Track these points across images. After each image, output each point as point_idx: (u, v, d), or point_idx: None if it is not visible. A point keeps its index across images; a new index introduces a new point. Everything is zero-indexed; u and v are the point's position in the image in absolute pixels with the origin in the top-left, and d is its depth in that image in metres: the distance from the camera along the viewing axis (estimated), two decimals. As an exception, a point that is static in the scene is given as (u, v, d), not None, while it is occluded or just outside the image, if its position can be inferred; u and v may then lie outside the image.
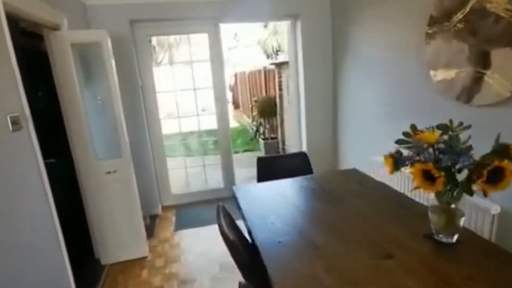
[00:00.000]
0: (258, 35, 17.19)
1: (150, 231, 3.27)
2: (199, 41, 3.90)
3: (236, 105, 12.21)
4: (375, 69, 2.87)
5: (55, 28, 2.40)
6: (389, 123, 2.72)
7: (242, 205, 1.90)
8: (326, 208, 1.74)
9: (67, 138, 2.57)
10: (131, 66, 3.31)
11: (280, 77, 5.89)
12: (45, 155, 2.62)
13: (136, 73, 3.36)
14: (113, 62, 2.53)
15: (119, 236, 2.75)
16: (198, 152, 5.97)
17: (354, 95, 3.32)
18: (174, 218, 3.60)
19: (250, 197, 1.99)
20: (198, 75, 3.88)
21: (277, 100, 6.06)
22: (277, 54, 16.65)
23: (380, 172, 2.74)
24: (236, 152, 6.78)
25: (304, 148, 3.96)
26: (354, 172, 2.31)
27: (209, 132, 5.22)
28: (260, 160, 2.54)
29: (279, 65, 5.84)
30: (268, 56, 16.76)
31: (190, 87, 3.95)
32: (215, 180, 4.19)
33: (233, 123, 10.18)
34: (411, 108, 2.45)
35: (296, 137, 4.19)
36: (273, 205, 1.84)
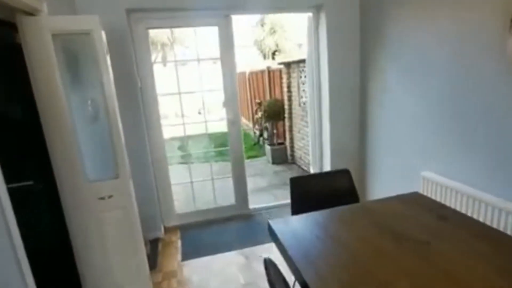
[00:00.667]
0: (255, 35, 16.74)
1: (152, 262, 2.73)
2: (194, 40, 3.34)
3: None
4: (426, 68, 2.39)
5: (31, 13, 1.85)
6: (450, 132, 2.24)
7: (288, 249, 1.38)
8: (412, 260, 1.24)
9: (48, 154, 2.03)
10: (128, 65, 2.77)
11: (289, 77, 5.40)
12: (18, 177, 2.08)
13: (135, 73, 2.82)
14: (108, 58, 2.00)
15: (115, 274, 2.20)
16: (203, 159, 5.46)
17: (392, 99, 2.84)
18: (179, 243, 3.06)
19: (296, 241, 1.47)
20: (195, 77, 3.35)
21: (286, 102, 5.57)
22: (274, 55, 16.25)
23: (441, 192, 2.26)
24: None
25: (327, 160, 3.47)
26: (419, 198, 1.82)
27: (213, 136, 4.70)
28: (294, 182, 2.03)
29: (288, 65, 5.35)
30: (265, 57, 16.33)
31: (193, 89, 3.44)
32: (224, 194, 3.67)
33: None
34: (485, 114, 1.96)
35: (314, 145, 3.69)
36: (330, 251, 1.33)
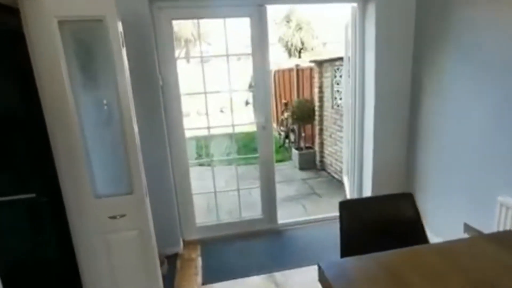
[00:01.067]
0: (279, 32, 16.28)
1: (169, 284, 2.41)
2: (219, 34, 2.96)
3: (257, 107, 11.28)
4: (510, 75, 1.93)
5: (36, -5, 1.55)
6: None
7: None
8: None
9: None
10: (149, 60, 2.45)
11: (321, 77, 4.97)
12: (20, 187, 1.80)
13: (156, 70, 2.50)
14: (124, 51, 1.67)
15: (126, 303, 1.90)
16: (225, 161, 5.15)
17: (456, 108, 2.37)
18: (199, 261, 2.73)
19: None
20: (219, 74, 3.01)
21: (316, 104, 5.14)
22: (300, 53, 15.76)
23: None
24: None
25: (368, 172, 3.03)
26: (516, 239, 1.38)
27: (236, 136, 4.37)
28: (344, 206, 1.64)
29: (321, 63, 4.92)
30: (290, 55, 15.86)
31: (216, 87, 3.09)
32: (250, 204, 3.33)
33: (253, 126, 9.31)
34: None
35: (352, 153, 3.27)
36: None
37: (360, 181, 3.20)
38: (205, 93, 2.86)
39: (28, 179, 1.81)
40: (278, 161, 6.02)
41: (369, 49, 2.82)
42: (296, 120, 5.40)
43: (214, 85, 3.08)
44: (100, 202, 1.72)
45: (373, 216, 1.65)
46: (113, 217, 1.73)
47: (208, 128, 2.97)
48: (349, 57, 3.57)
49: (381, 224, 1.63)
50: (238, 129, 3.20)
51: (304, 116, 5.28)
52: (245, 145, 6.46)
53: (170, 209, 2.77)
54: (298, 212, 3.68)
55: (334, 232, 3.05)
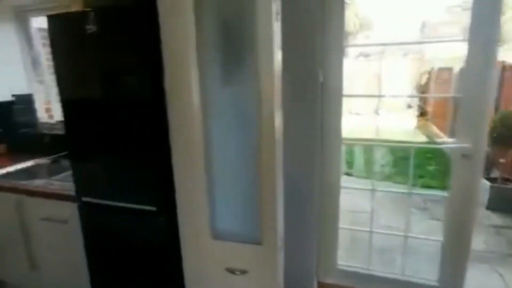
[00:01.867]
0: (463, 22, 13.18)
1: None
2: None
3: (422, 112, 9.42)
4: None
5: None
6: None
7: None
8: None
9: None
10: (308, 46, 1.81)
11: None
12: (143, 196, 1.47)
13: (315, 62, 1.85)
14: (276, 28, 1.07)
15: None
16: (375, 177, 4.18)
17: None
18: (337, 323, 2.00)
19: None
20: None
21: (537, 120, 3.46)
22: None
23: None
24: (426, 187, 4.57)
25: None
26: None
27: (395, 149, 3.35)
28: None
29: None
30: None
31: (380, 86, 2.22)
32: (419, 259, 2.34)
33: (418, 136, 7.71)
34: None
35: None
36: None
37: None
38: (380, 96, 2.03)
39: (154, 189, 1.48)
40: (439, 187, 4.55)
41: None
42: (495, 139, 3.83)
43: (373, 83, 2.24)
44: (218, 245, 1.22)
45: None
46: (231, 271, 1.19)
47: (378, 139, 2.14)
48: None
49: None
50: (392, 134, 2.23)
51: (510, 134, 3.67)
52: (402, 158, 5.25)
53: (308, 245, 2.12)
54: (492, 285, 2.43)
55: None
